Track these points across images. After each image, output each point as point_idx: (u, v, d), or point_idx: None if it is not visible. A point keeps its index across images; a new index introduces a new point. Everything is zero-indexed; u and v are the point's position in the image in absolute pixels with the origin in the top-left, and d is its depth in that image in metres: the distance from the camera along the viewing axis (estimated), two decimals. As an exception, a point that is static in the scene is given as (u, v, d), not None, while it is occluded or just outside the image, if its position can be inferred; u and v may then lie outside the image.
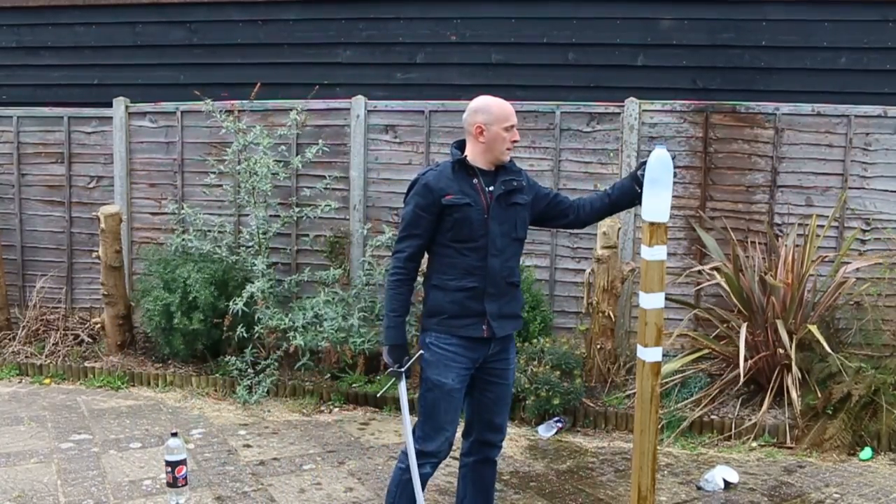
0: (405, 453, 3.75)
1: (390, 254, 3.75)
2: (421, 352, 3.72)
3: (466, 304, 3.65)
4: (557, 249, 6.83)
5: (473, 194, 3.66)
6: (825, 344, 5.46)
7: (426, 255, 3.75)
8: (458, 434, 3.87)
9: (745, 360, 5.83)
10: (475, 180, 3.70)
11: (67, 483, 4.91)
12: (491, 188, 3.69)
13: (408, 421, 3.70)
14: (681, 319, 6.39)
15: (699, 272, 6.46)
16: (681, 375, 6.10)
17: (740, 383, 5.72)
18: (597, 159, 6.73)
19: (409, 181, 3.88)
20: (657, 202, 3.52)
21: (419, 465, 3.70)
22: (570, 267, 6.82)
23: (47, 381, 6.91)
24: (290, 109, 6.93)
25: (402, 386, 3.68)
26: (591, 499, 4.79)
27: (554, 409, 5.83)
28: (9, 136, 7.86)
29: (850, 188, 6.36)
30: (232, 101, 6.99)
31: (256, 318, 6.40)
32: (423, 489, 3.72)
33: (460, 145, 3.81)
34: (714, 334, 6.25)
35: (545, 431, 5.82)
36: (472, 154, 3.73)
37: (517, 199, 3.76)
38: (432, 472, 3.79)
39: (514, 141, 3.76)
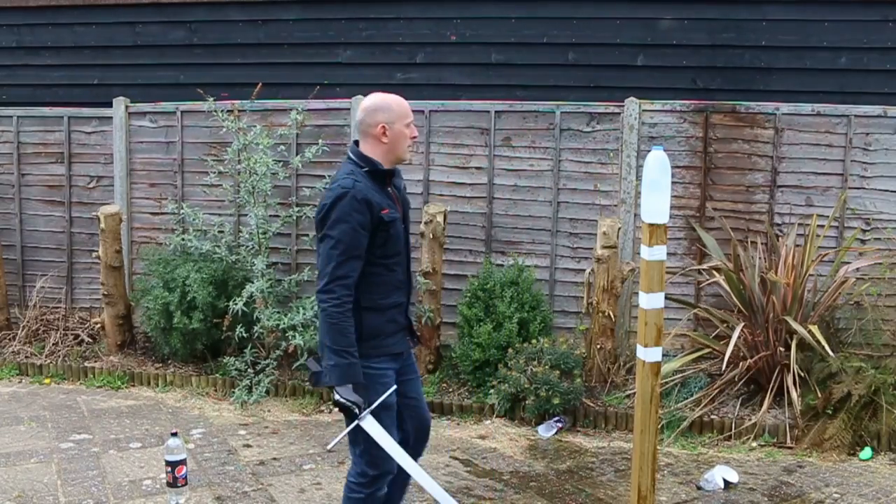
0: (356, 480, 3.56)
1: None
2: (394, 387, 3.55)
3: (397, 320, 3.57)
4: (557, 249, 6.83)
5: (394, 204, 3.52)
6: (825, 344, 5.46)
7: None
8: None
9: (744, 359, 5.85)
10: (389, 188, 3.54)
11: (67, 483, 4.91)
12: (397, 193, 3.58)
13: (396, 450, 3.49)
14: (681, 319, 6.39)
15: (699, 271, 6.46)
16: (681, 375, 6.10)
17: (732, 378, 5.73)
18: (597, 159, 6.74)
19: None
20: (656, 203, 3.52)
21: (377, 489, 3.56)
22: (570, 267, 6.82)
23: (47, 381, 6.91)
24: (290, 109, 6.94)
25: (374, 422, 3.45)
26: (591, 499, 4.79)
27: (554, 409, 5.83)
28: (9, 136, 7.85)
29: (850, 188, 6.36)
30: (232, 101, 6.99)
31: (256, 317, 6.40)
32: None
33: (357, 150, 3.53)
34: (714, 334, 6.26)
35: (545, 431, 5.82)
36: (374, 157, 3.50)
37: (408, 201, 3.73)
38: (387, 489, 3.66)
39: (414, 137, 3.58)
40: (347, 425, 3.49)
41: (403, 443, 3.66)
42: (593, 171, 6.75)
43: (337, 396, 3.38)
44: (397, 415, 3.65)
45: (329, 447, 3.52)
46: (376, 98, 3.53)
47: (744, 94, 6.68)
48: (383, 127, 3.47)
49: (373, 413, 3.44)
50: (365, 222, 3.37)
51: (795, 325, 5.60)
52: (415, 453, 3.75)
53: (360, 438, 3.50)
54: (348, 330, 3.38)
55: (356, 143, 3.55)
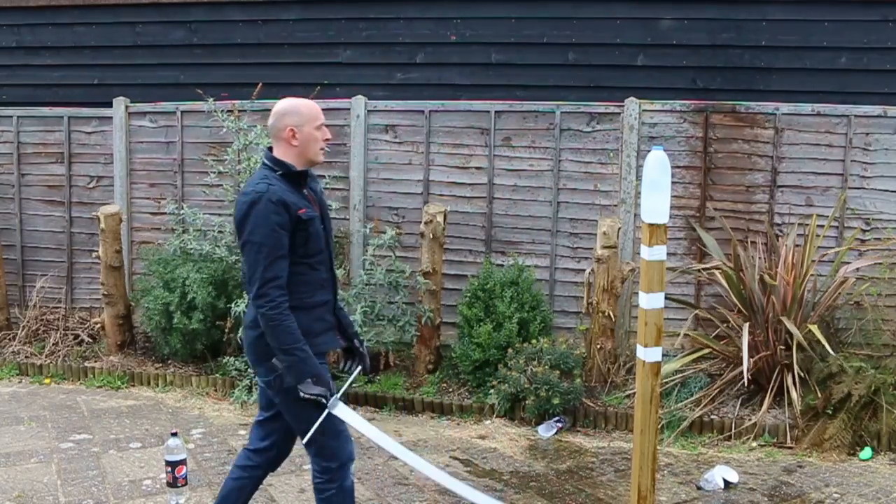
0: (322, 478, 3.57)
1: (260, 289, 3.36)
2: (360, 367, 3.65)
3: (325, 318, 3.58)
4: (557, 249, 6.83)
5: (310, 205, 3.54)
6: (826, 344, 5.46)
7: None
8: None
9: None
10: (305, 190, 3.56)
11: (67, 483, 4.91)
12: (313, 195, 3.61)
13: (370, 430, 3.53)
14: (681, 319, 6.39)
15: (699, 271, 6.46)
16: (681, 375, 6.10)
17: (743, 382, 5.72)
18: (597, 159, 6.74)
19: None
20: (656, 203, 3.52)
21: (343, 480, 3.57)
22: (570, 267, 6.82)
23: (47, 381, 6.91)
24: (290, 109, 6.93)
25: (345, 407, 3.50)
26: (591, 499, 4.79)
27: (554, 409, 5.83)
28: (9, 136, 7.86)
29: (850, 188, 6.36)
30: (232, 101, 6.99)
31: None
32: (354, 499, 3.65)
33: (270, 155, 3.55)
34: (714, 334, 6.26)
35: (545, 431, 5.82)
36: (287, 160, 3.53)
37: (326, 202, 3.75)
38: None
39: (327, 140, 3.62)
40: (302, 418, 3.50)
41: (269, 448, 3.74)
42: (593, 171, 6.75)
43: (302, 394, 3.40)
44: (280, 422, 3.69)
45: (304, 441, 3.53)
46: (286, 102, 3.59)
47: (744, 94, 6.68)
48: (292, 130, 3.51)
49: (312, 408, 3.44)
50: (283, 223, 3.38)
51: (791, 328, 5.59)
52: (274, 464, 3.81)
53: (311, 438, 3.51)
54: (291, 328, 3.39)
55: (270, 148, 3.58)
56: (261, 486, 4.86)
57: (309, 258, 3.50)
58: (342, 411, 3.48)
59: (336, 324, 3.68)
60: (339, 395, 3.49)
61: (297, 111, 3.56)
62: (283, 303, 3.38)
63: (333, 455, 3.56)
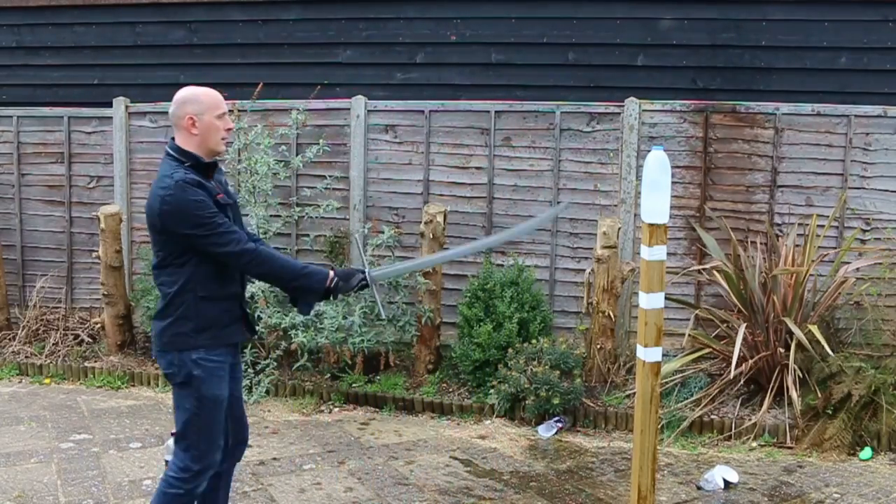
0: (177, 475, 3.55)
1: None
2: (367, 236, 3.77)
3: (233, 311, 3.58)
4: (557, 249, 6.83)
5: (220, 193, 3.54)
6: (826, 345, 5.46)
7: (182, 265, 3.46)
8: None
9: (745, 359, 5.84)
10: (212, 182, 3.54)
11: (67, 483, 4.91)
12: (221, 186, 3.60)
13: (410, 266, 4.10)
14: (681, 319, 6.39)
15: (699, 271, 6.46)
16: (681, 375, 6.10)
17: (732, 378, 5.74)
18: (597, 159, 6.74)
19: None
20: (656, 203, 3.53)
21: (196, 486, 3.57)
22: (570, 267, 6.82)
23: (47, 381, 6.92)
24: (290, 109, 6.94)
25: (378, 272, 3.81)
26: (591, 499, 4.79)
27: (554, 409, 5.83)
28: (9, 136, 7.85)
29: (850, 188, 6.36)
30: (233, 101, 6.99)
31: (257, 316, 6.40)
32: None
33: (175, 145, 3.52)
34: (714, 334, 6.26)
35: (545, 431, 5.82)
36: (190, 149, 3.50)
37: (235, 195, 3.74)
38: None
39: (229, 129, 3.57)
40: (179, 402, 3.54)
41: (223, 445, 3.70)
42: (593, 171, 6.75)
43: (350, 294, 3.68)
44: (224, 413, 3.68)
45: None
46: (186, 90, 3.54)
47: (744, 94, 6.68)
48: (191, 118, 3.47)
49: (199, 406, 3.48)
50: (208, 199, 3.42)
51: (793, 327, 5.59)
52: (233, 456, 3.79)
53: (189, 432, 3.53)
54: (280, 259, 3.53)
55: (173, 138, 3.55)
56: (261, 486, 4.87)
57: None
58: (381, 275, 3.80)
59: (242, 316, 3.67)
60: (370, 271, 3.67)
61: (197, 99, 3.50)
62: (253, 249, 3.44)
63: (199, 458, 3.55)
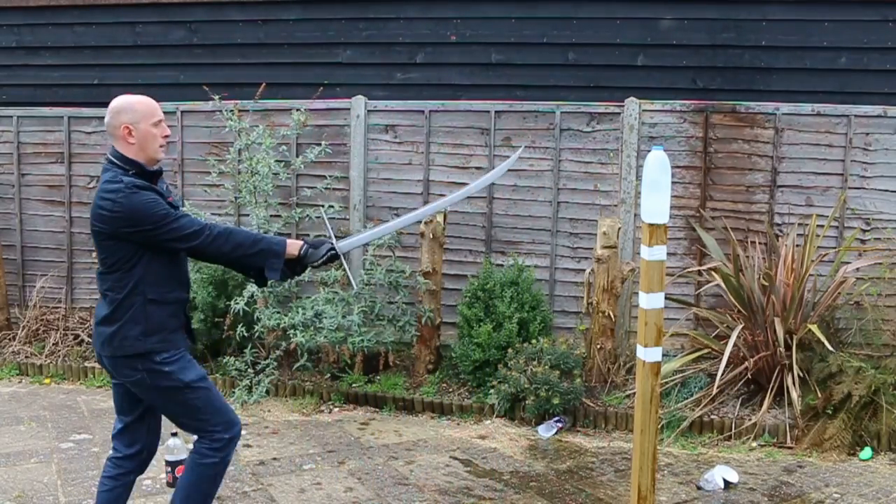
0: (211, 447, 3.61)
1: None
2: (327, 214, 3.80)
3: (178, 316, 3.61)
4: (557, 249, 6.83)
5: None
6: (826, 343, 5.46)
7: (130, 269, 3.46)
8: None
9: (745, 359, 5.85)
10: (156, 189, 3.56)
11: (67, 483, 4.91)
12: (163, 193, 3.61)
13: (394, 223, 4.09)
14: (679, 319, 6.39)
15: (699, 273, 6.46)
16: (681, 375, 6.10)
17: (732, 378, 5.73)
18: (597, 159, 6.74)
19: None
20: (656, 203, 3.53)
21: (229, 452, 3.65)
22: (570, 267, 6.82)
23: (47, 381, 6.92)
24: (290, 109, 6.94)
25: (347, 241, 3.89)
26: (591, 499, 4.79)
27: (554, 409, 5.83)
28: (9, 136, 7.85)
29: (850, 188, 6.36)
30: (234, 102, 6.99)
31: (256, 317, 6.40)
32: None
33: (118, 153, 3.53)
34: (714, 334, 6.26)
35: (545, 431, 5.82)
36: (131, 157, 3.51)
37: (178, 202, 3.77)
38: None
39: (166, 136, 3.59)
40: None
41: (139, 452, 3.75)
42: (593, 171, 6.75)
43: (316, 263, 3.64)
44: (144, 419, 3.73)
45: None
46: (120, 99, 3.58)
47: (744, 94, 6.68)
48: (127, 128, 3.49)
49: (191, 392, 3.53)
50: (159, 198, 3.45)
51: (779, 330, 5.58)
52: (144, 465, 3.82)
53: (197, 419, 3.58)
54: (235, 229, 3.60)
55: (114, 147, 3.56)
56: (260, 486, 4.87)
57: (172, 251, 3.53)
58: (348, 245, 3.82)
59: (185, 323, 3.69)
60: (336, 241, 3.72)
61: (131, 108, 3.52)
62: (210, 226, 3.49)
63: (227, 427, 3.61)
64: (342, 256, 3.74)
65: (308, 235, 7.04)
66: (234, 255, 3.54)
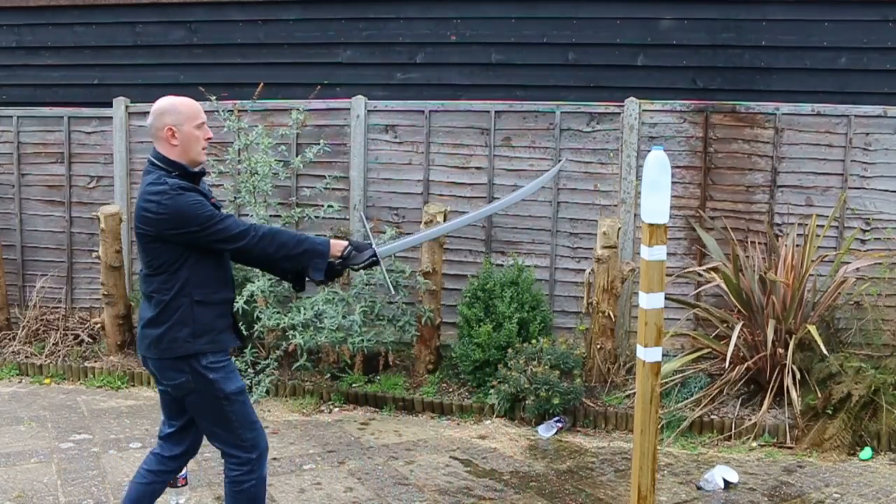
0: (242, 470, 3.60)
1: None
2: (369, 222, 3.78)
3: (227, 317, 3.61)
4: (557, 249, 6.83)
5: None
6: (822, 345, 5.46)
7: (176, 271, 3.45)
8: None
9: (744, 359, 5.85)
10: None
11: (67, 483, 4.91)
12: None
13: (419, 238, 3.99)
14: (679, 319, 6.39)
15: (699, 273, 6.46)
16: (681, 375, 6.10)
17: (732, 378, 5.73)
18: (597, 159, 6.74)
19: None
20: (656, 203, 3.53)
21: (262, 468, 3.65)
22: (570, 267, 6.82)
23: (47, 381, 6.91)
24: (290, 109, 6.94)
25: (386, 248, 3.83)
26: (591, 499, 4.79)
27: (554, 409, 5.83)
28: (9, 136, 7.85)
29: (850, 188, 6.36)
30: (234, 101, 6.99)
31: (256, 317, 6.40)
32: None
33: (160, 154, 3.53)
34: (714, 334, 6.26)
35: (545, 431, 5.82)
36: (174, 159, 3.52)
37: (219, 203, 3.76)
38: None
39: (208, 138, 3.58)
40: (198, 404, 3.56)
41: (185, 453, 3.79)
42: (593, 171, 6.75)
43: (356, 267, 3.64)
44: (194, 424, 3.72)
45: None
46: (164, 101, 3.55)
47: (744, 94, 6.68)
48: (170, 129, 3.47)
49: (229, 404, 3.53)
50: (204, 199, 3.45)
51: (770, 331, 5.59)
52: (185, 464, 3.88)
53: (228, 432, 3.57)
54: (278, 229, 3.57)
55: (155, 148, 3.55)
56: (261, 486, 4.86)
57: (219, 251, 3.54)
58: (388, 250, 3.81)
59: (233, 323, 3.70)
60: (376, 247, 3.67)
61: (175, 110, 3.51)
62: (254, 226, 3.49)
63: (254, 445, 3.60)
64: (381, 263, 3.71)
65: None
66: (277, 255, 3.52)
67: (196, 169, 3.56)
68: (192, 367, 3.49)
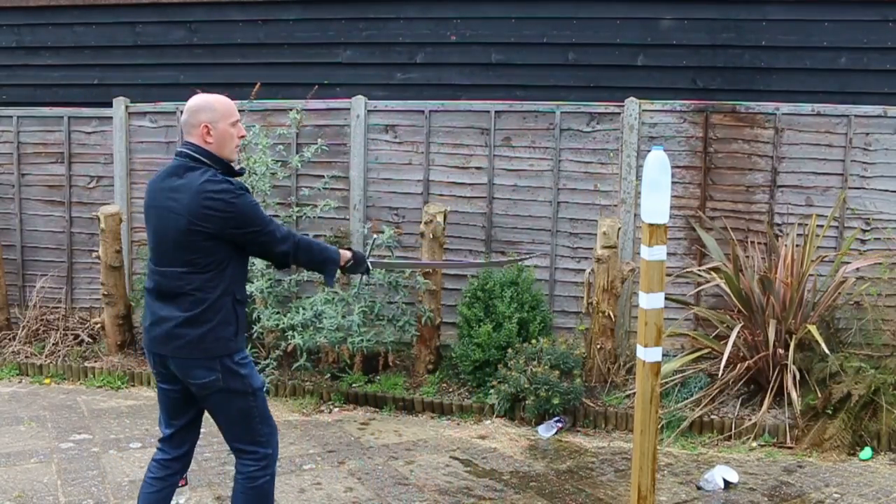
0: (256, 466, 3.62)
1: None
2: (374, 236, 3.97)
3: (246, 313, 3.71)
4: (557, 249, 6.83)
5: None
6: (823, 345, 5.46)
7: (223, 270, 3.42)
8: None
9: (744, 359, 5.85)
10: None
11: (67, 483, 4.91)
12: None
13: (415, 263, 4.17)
14: (683, 319, 6.39)
15: (699, 272, 6.46)
16: (681, 375, 6.10)
17: (732, 378, 5.73)
18: (597, 159, 6.74)
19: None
20: (656, 203, 3.53)
21: (274, 465, 3.69)
22: (570, 267, 6.82)
23: (47, 381, 6.92)
24: (289, 109, 6.94)
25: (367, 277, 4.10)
26: (591, 499, 4.79)
27: (554, 409, 5.83)
28: (9, 136, 7.85)
29: (850, 188, 6.36)
30: (233, 101, 6.99)
31: (256, 317, 6.40)
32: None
33: (203, 149, 3.45)
34: (714, 334, 6.26)
35: (545, 431, 5.82)
36: (216, 154, 3.47)
37: None
38: None
39: (242, 136, 3.57)
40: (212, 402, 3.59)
41: (187, 453, 3.84)
42: (593, 171, 6.75)
43: (351, 274, 3.92)
44: (195, 423, 3.79)
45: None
46: (199, 98, 3.52)
47: (744, 94, 6.68)
48: (206, 126, 3.42)
49: (252, 399, 3.56)
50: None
51: (771, 332, 5.58)
52: (189, 462, 3.91)
53: (248, 428, 3.56)
54: (311, 242, 3.68)
55: (188, 143, 3.48)
56: (261, 486, 4.86)
57: (259, 253, 3.61)
58: (381, 265, 4.25)
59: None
60: (369, 257, 4.01)
61: (210, 107, 3.46)
62: (295, 234, 3.60)
63: (269, 440, 3.63)
64: (368, 274, 3.99)
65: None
66: (302, 259, 3.65)
67: (237, 167, 3.58)
68: (224, 365, 3.46)
